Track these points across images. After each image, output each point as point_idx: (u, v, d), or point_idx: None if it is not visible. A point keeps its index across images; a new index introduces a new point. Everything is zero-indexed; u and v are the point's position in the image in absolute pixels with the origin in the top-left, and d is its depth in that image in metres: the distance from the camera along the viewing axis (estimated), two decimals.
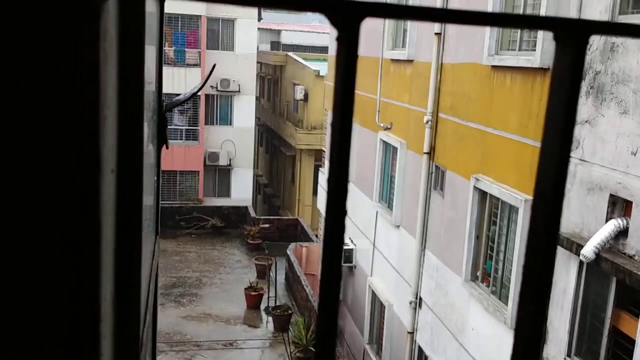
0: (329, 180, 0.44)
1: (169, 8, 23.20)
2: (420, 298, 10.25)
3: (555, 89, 0.46)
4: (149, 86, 1.29)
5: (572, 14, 6.30)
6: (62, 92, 0.42)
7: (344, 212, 0.43)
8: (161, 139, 1.57)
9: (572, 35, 0.45)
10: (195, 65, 23.80)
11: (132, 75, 0.62)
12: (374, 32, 12.56)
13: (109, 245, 0.52)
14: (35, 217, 0.45)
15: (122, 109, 0.60)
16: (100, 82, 0.43)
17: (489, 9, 7.99)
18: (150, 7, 1.29)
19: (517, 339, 0.47)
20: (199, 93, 23.79)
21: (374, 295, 12.45)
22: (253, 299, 16.54)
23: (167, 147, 1.65)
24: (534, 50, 7.12)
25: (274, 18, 42.17)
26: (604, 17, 5.93)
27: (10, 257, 0.46)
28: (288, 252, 18.17)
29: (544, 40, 6.81)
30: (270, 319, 15.79)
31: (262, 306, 16.61)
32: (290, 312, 15.66)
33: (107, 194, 0.49)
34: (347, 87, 0.43)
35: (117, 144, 0.60)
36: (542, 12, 6.86)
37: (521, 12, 7.58)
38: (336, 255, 0.44)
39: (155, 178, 1.62)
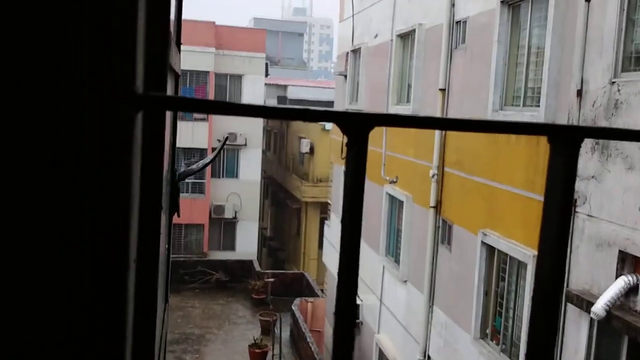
0: (339, 284, 0.46)
1: None
2: (429, 356, 10.02)
3: (550, 188, 0.49)
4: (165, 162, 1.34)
5: (575, 72, 6.43)
6: (94, 199, 0.46)
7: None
8: (173, 208, 1.60)
9: (566, 140, 0.48)
10: (202, 120, 24.20)
11: (152, 170, 0.65)
12: (379, 87, 12.82)
13: (128, 330, 0.54)
14: (66, 318, 0.47)
15: (143, 201, 0.64)
16: (132, 185, 0.47)
17: (492, 72, 8.17)
18: (170, 85, 1.35)
19: None
20: (197, 142, 24.09)
21: (381, 353, 12.17)
22: (257, 357, 16.18)
23: (178, 216, 1.68)
24: (538, 106, 7.23)
25: (281, 74, 43.14)
26: (607, 75, 6.03)
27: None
28: (293, 307, 17.91)
29: (548, 96, 6.92)
30: None
31: None
32: None
33: (129, 285, 0.52)
34: (356, 188, 0.45)
35: (139, 235, 0.63)
36: (545, 70, 7.00)
37: (524, 70, 7.74)
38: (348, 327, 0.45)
39: (167, 246, 1.65)
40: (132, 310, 0.56)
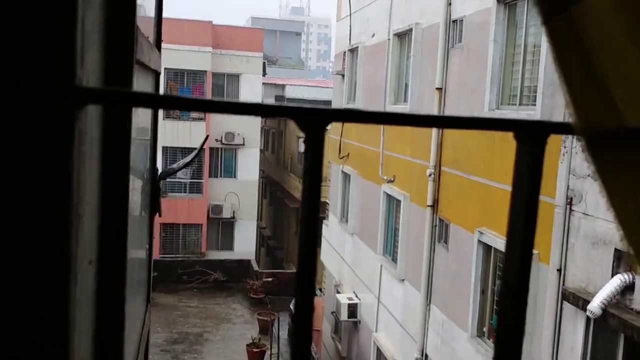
0: (297, 284, 0.45)
1: (174, 63, 23.76)
2: (426, 355, 10.02)
3: (517, 185, 0.48)
4: (144, 157, 1.33)
5: None
6: (29, 194, 0.44)
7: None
8: (154, 208, 1.59)
9: (532, 135, 0.47)
10: (200, 119, 24.17)
11: (115, 168, 0.64)
12: (376, 86, 12.81)
13: (83, 338, 0.53)
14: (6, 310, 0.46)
15: (104, 199, 0.62)
16: (72, 183, 0.45)
17: (488, 71, 8.17)
18: (145, 83, 1.34)
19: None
20: (194, 142, 24.05)
21: (379, 352, 12.17)
22: (255, 356, 16.18)
23: (159, 216, 1.67)
24: (534, 104, 7.23)
25: (279, 73, 43.12)
26: None
27: None
28: (291, 306, 17.88)
29: (544, 95, 6.92)
30: None
31: None
32: None
33: (82, 287, 0.50)
34: (313, 182, 0.44)
35: (100, 235, 0.62)
36: (541, 69, 6.99)
37: (520, 69, 7.74)
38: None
39: (147, 246, 1.63)
40: (92, 312, 0.56)
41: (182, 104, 0.38)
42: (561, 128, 0.48)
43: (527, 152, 0.48)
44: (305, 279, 0.43)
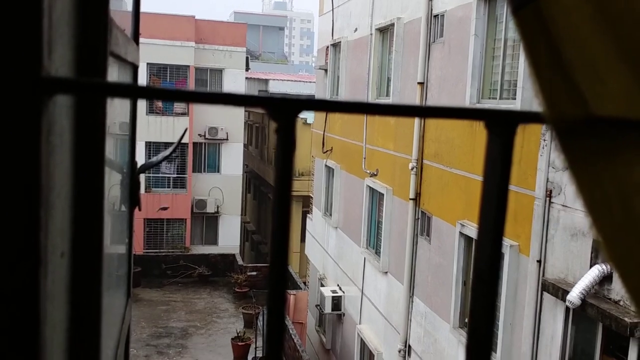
0: (270, 272, 0.45)
1: (157, 58, 23.55)
2: (409, 346, 10.10)
3: (487, 174, 0.49)
4: (120, 151, 1.32)
5: None
6: None
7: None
8: (133, 201, 1.58)
9: (501, 125, 0.48)
10: (183, 114, 24.00)
11: (89, 159, 0.64)
12: (359, 81, 12.82)
13: (56, 332, 0.52)
14: None
15: (78, 191, 0.62)
16: (40, 173, 0.45)
17: (469, 65, 8.22)
18: (122, 76, 1.33)
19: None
20: (186, 141, 23.89)
21: (362, 344, 12.24)
22: (240, 350, 16.18)
23: (139, 209, 1.66)
24: (514, 98, 7.30)
25: (262, 68, 42.94)
26: None
27: None
28: None
29: (524, 88, 6.99)
30: None
31: (250, 356, 16.23)
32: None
33: (54, 278, 0.50)
34: (284, 172, 0.45)
35: (72, 226, 0.61)
36: (521, 62, 7.07)
37: (501, 63, 7.80)
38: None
39: (127, 240, 1.63)
40: (65, 305, 0.55)
41: (151, 94, 0.38)
42: (531, 117, 0.49)
43: (497, 141, 0.49)
44: (278, 273, 0.44)
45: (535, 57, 0.47)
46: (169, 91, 0.38)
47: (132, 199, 1.55)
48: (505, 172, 0.49)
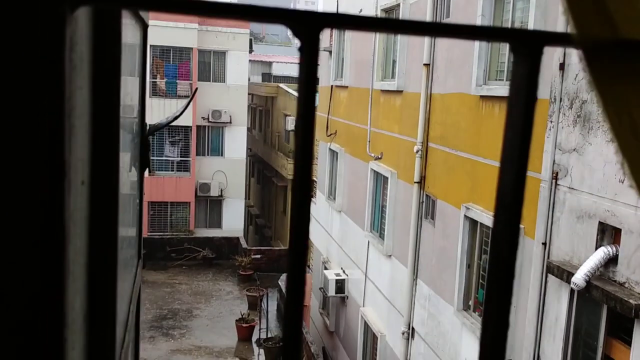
0: (294, 183, 0.44)
1: (160, 40, 23.44)
2: (413, 328, 10.15)
3: (512, 99, 0.47)
4: (132, 110, 1.31)
5: (559, 22, 6.40)
6: (22, 98, 0.43)
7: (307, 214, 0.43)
8: (144, 163, 1.57)
9: (527, 46, 0.47)
10: (186, 96, 23.94)
11: (107, 90, 0.62)
12: (364, 63, 12.74)
13: (78, 254, 0.52)
14: None
15: (97, 123, 0.61)
16: (64, 91, 0.44)
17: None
18: (133, 35, 1.31)
19: (483, 339, 0.47)
20: (181, 119, 23.84)
21: (366, 326, 12.31)
22: (244, 331, 16.31)
23: (150, 172, 1.66)
24: None
25: (265, 50, 42.69)
26: None
27: None
28: (280, 282, 18.01)
29: None
30: (262, 351, 15.55)
31: (254, 338, 16.36)
32: (282, 343, 15.44)
33: (76, 204, 0.49)
34: (308, 94, 0.43)
35: (91, 157, 0.60)
36: (531, 19, 6.94)
37: (510, 20, 7.71)
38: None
39: (138, 201, 1.62)
40: (85, 230, 0.55)
41: (167, 5, 0.37)
42: (559, 38, 0.47)
43: (523, 64, 0.47)
44: (299, 227, 0.42)
45: None
46: (187, 2, 0.36)
47: (143, 160, 1.54)
48: (531, 97, 0.47)
